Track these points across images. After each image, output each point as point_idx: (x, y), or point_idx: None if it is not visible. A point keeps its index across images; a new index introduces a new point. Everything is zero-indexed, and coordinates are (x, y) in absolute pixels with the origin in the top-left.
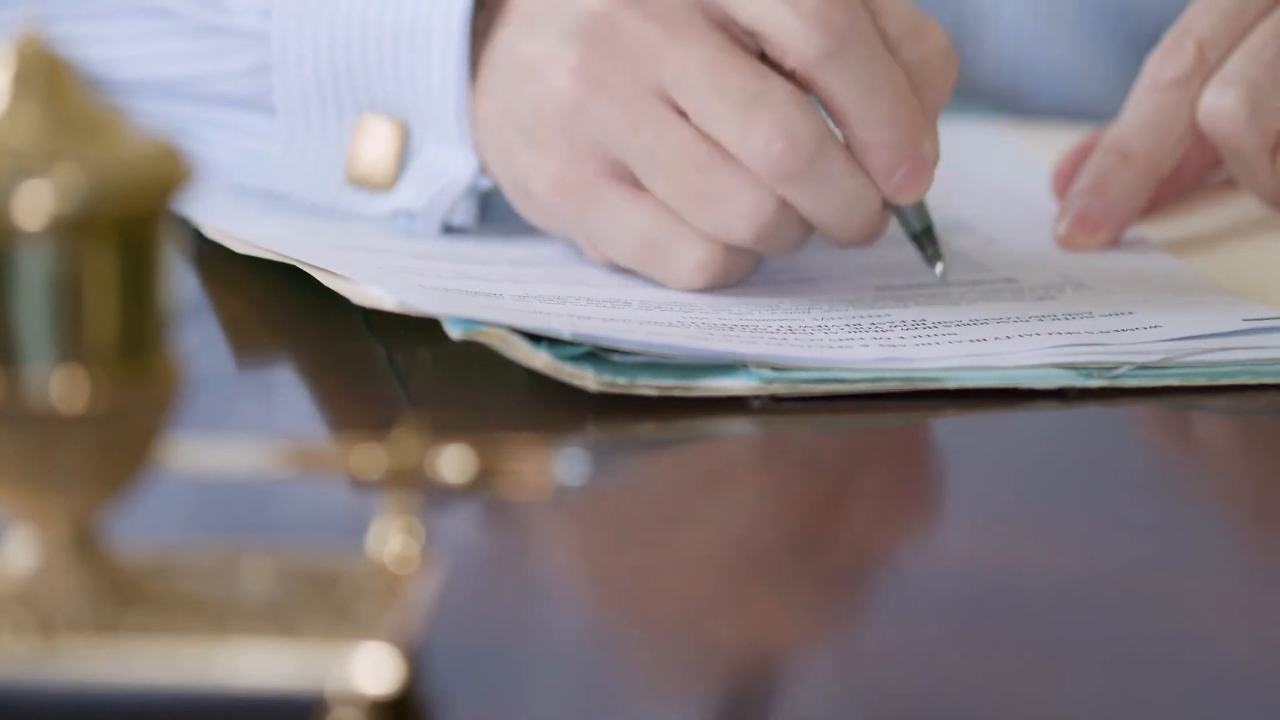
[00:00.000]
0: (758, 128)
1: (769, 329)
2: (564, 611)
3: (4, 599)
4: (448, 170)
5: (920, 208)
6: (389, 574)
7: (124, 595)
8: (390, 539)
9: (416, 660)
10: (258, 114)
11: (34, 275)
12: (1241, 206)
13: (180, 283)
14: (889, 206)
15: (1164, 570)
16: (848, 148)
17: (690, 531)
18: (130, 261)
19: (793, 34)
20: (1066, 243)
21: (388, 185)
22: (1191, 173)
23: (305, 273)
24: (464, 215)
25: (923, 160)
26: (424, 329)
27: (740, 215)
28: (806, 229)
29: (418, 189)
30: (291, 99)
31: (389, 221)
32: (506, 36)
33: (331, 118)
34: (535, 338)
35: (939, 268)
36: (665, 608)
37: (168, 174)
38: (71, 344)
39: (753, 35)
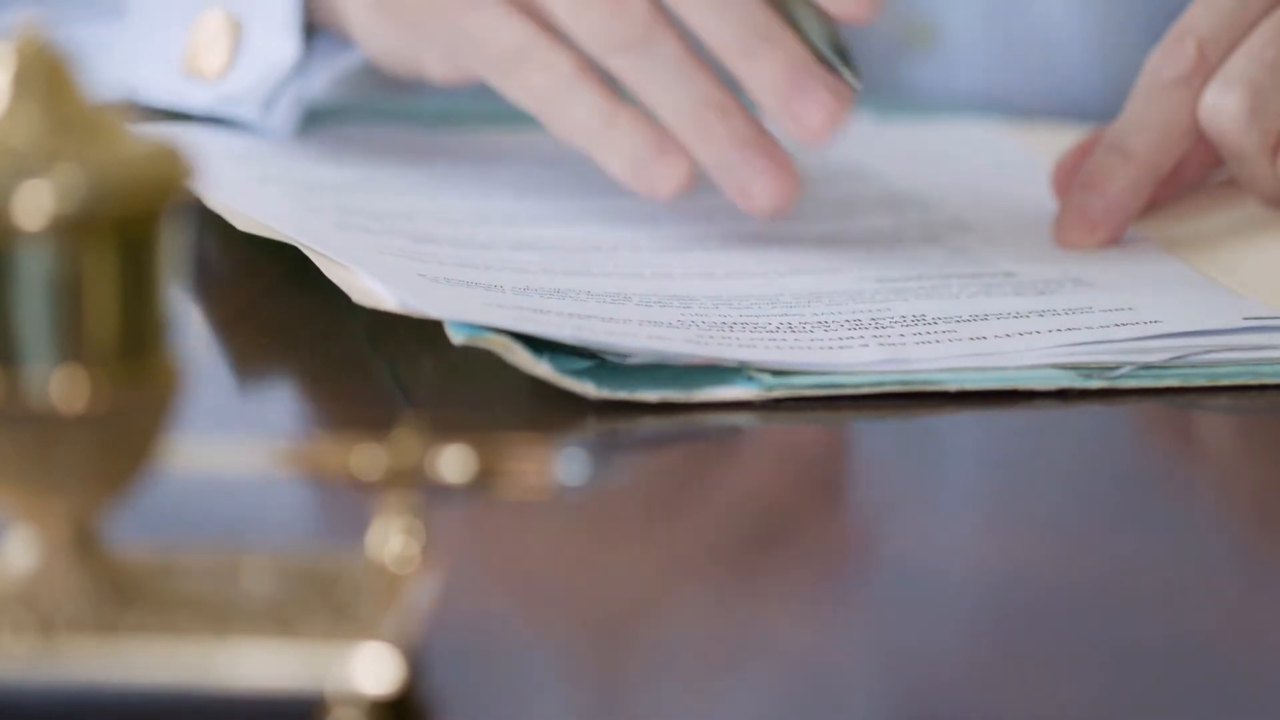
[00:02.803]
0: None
1: (769, 327)
2: (564, 611)
3: (4, 599)
4: (271, 55)
5: (824, 23)
6: (389, 574)
7: (124, 595)
8: (390, 539)
9: (416, 660)
10: (102, 19)
11: (34, 275)
12: (1242, 206)
13: (180, 282)
14: (793, 21)
15: (1164, 570)
16: None
17: (690, 530)
18: (130, 261)
19: None
20: (1066, 241)
21: (218, 74)
22: (1192, 172)
23: (306, 270)
24: (284, 116)
25: None
26: (424, 328)
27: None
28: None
29: (243, 74)
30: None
31: (220, 109)
32: None
33: (177, 17)
34: (538, 345)
35: (850, 78)
36: (665, 606)
37: (168, 174)
38: (71, 344)
39: None
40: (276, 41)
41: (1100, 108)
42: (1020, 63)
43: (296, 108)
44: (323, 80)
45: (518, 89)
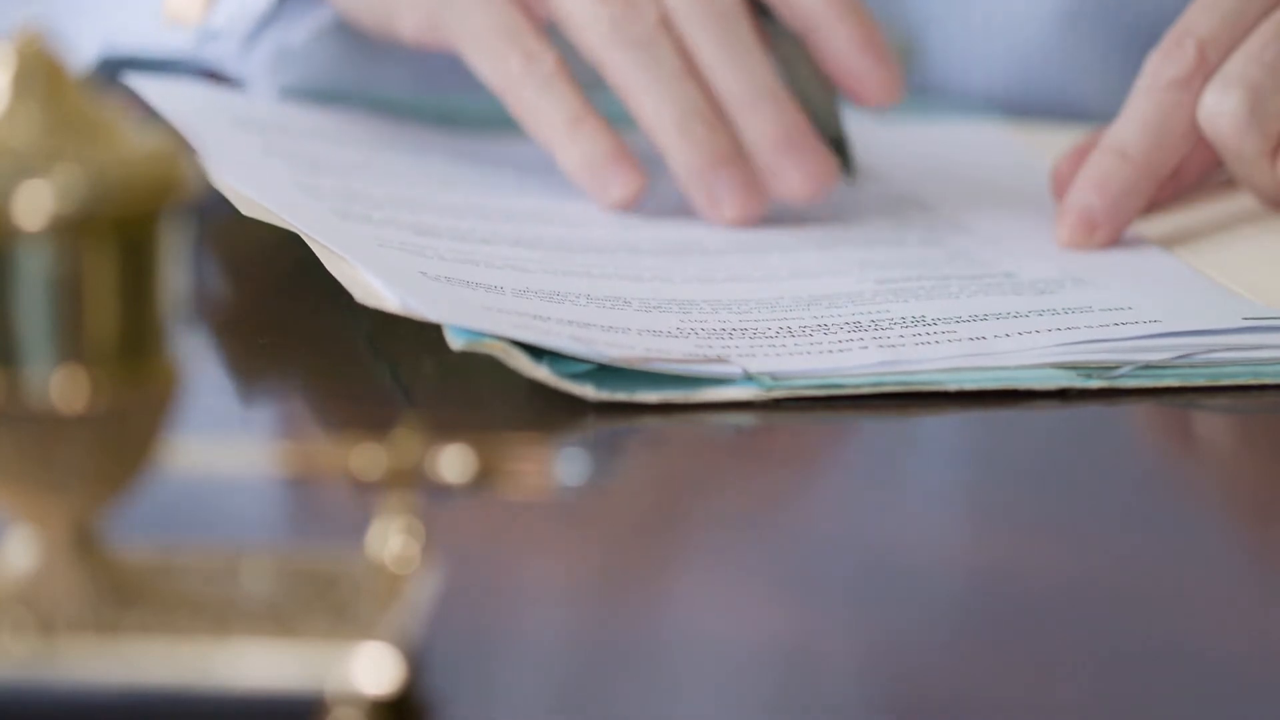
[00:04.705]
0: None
1: (768, 333)
2: (564, 611)
3: (4, 599)
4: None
5: (834, 115)
6: (389, 574)
7: (124, 595)
8: (390, 539)
9: (416, 660)
10: None
11: (34, 275)
12: (1242, 207)
13: (180, 282)
14: (806, 109)
15: (1164, 570)
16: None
17: (690, 530)
18: (130, 261)
19: None
20: (1066, 242)
21: (197, 22)
22: (1193, 173)
23: (306, 270)
24: (265, 63)
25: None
26: (424, 328)
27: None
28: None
29: (221, 11)
30: None
31: (200, 51)
32: None
33: None
34: (537, 350)
35: (851, 178)
36: (665, 607)
37: (168, 174)
38: (71, 344)
39: None
40: None
41: (1070, 102)
42: (998, 63)
43: (278, 57)
44: (302, 32)
45: (493, 71)
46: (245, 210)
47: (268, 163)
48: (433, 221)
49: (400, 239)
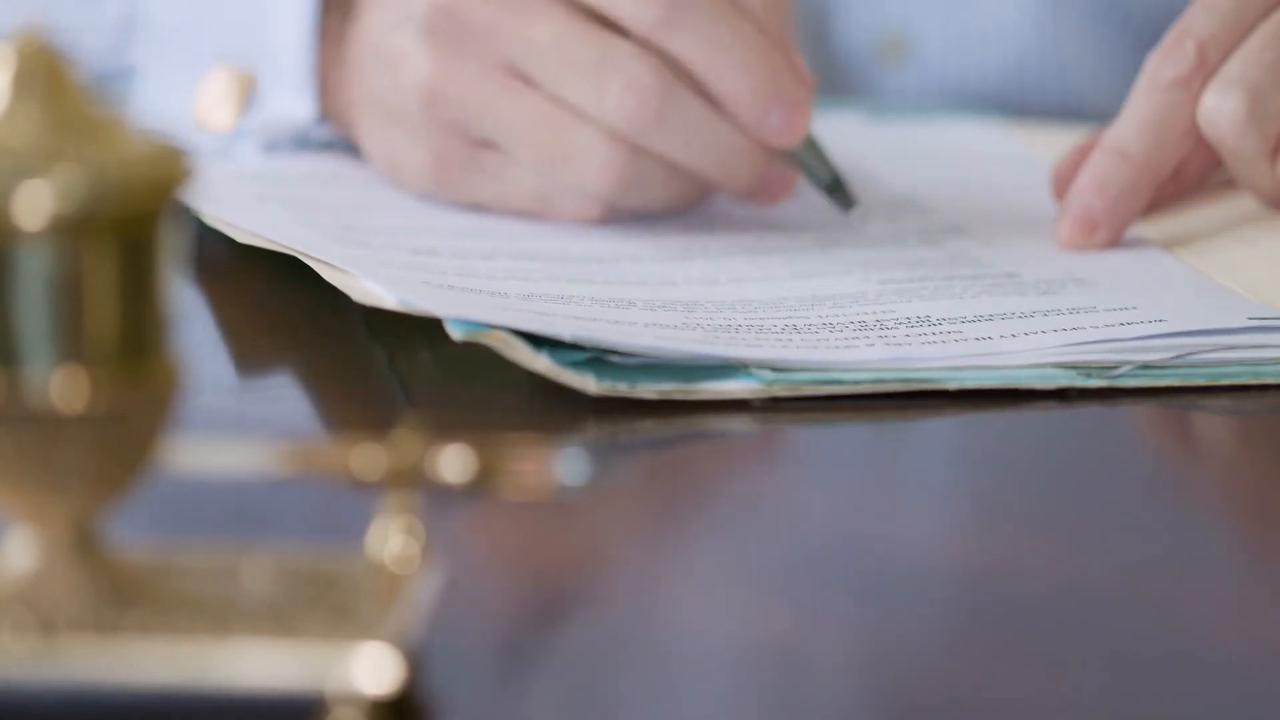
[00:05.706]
0: (608, 89)
1: (774, 329)
2: (564, 612)
3: (4, 599)
4: (284, 114)
5: (820, 157)
6: (389, 574)
7: (124, 595)
8: (390, 539)
9: (416, 660)
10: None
11: (34, 275)
12: (1242, 207)
13: (180, 283)
14: (792, 161)
15: (1164, 570)
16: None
17: (690, 531)
18: (130, 261)
19: (625, 6)
20: (1066, 243)
21: (227, 129)
22: (1193, 173)
23: (306, 271)
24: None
25: (793, 99)
26: (424, 329)
27: (597, 169)
28: (683, 182)
29: (253, 121)
30: (151, 50)
31: (226, 148)
32: (368, 25)
33: (187, 66)
34: (537, 340)
35: (854, 214)
36: (664, 607)
37: (168, 174)
38: (71, 344)
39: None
40: (291, 100)
41: (1061, 100)
42: (989, 61)
43: (298, 147)
44: (327, 134)
45: (562, 219)
46: (240, 239)
47: (263, 206)
48: (431, 243)
49: (401, 260)
